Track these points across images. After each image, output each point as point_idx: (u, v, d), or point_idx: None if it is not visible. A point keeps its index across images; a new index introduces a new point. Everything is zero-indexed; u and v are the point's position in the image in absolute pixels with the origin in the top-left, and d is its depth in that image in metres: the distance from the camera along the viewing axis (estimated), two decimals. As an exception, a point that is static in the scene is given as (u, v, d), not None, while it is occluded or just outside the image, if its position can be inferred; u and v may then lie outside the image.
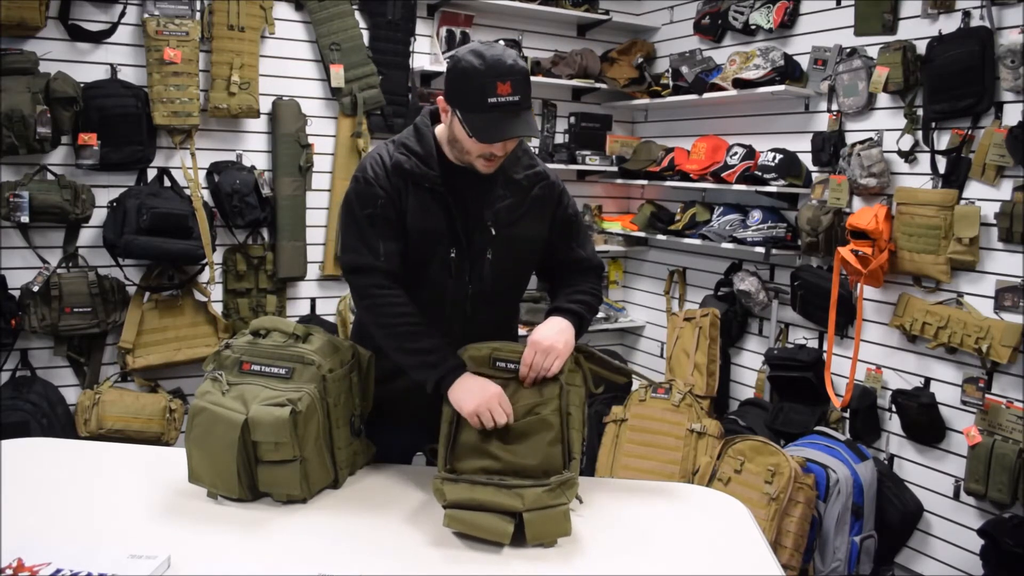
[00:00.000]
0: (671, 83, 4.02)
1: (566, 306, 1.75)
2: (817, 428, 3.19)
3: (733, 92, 3.59)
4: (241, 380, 1.58)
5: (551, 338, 1.64)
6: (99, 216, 3.26)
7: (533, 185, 1.75)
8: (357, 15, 3.73)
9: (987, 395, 2.82)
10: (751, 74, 3.48)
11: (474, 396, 1.58)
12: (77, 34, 3.22)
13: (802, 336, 3.58)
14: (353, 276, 1.73)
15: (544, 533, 1.46)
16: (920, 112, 3.01)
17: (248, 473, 1.54)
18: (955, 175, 2.88)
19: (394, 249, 1.69)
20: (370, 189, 1.68)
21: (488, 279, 1.73)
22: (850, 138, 3.28)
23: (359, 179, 1.71)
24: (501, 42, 4.00)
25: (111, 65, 3.28)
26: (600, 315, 4.30)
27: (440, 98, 1.66)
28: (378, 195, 1.67)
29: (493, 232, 1.70)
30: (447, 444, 1.61)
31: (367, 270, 1.69)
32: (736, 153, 3.63)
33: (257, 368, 1.59)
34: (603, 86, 4.23)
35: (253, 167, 3.54)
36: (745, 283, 3.71)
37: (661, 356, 4.30)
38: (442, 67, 3.63)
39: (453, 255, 1.70)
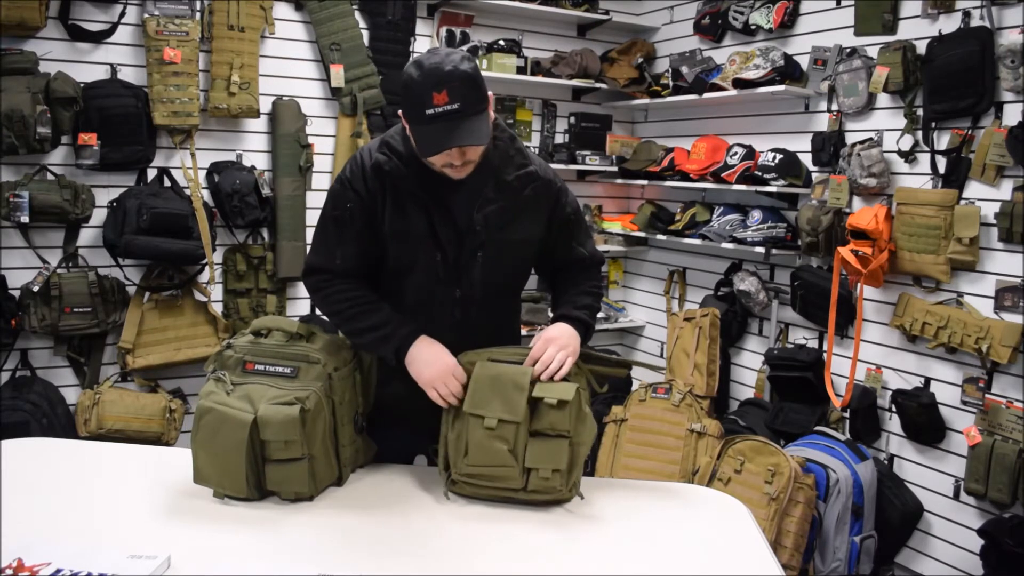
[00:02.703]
0: (671, 83, 4.02)
1: (574, 314, 1.74)
2: (817, 428, 3.19)
3: (733, 92, 3.59)
4: (245, 380, 1.58)
5: (565, 338, 1.65)
6: (99, 216, 3.26)
7: (525, 186, 1.70)
8: (357, 15, 3.73)
9: (987, 395, 2.82)
10: (751, 74, 3.48)
11: (429, 367, 1.61)
12: (77, 34, 3.22)
13: (802, 336, 3.58)
14: (309, 277, 1.74)
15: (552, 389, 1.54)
16: (920, 112, 3.01)
17: (255, 472, 1.55)
18: (955, 175, 2.88)
19: (353, 253, 1.69)
20: (343, 191, 1.68)
21: (478, 283, 1.70)
22: (850, 138, 3.28)
23: (338, 179, 1.71)
24: (500, 41, 4.01)
25: (111, 65, 3.28)
26: (600, 315, 4.29)
27: (399, 111, 1.62)
28: (348, 198, 1.66)
29: (483, 236, 1.67)
30: (446, 444, 1.61)
31: (320, 271, 1.71)
32: (736, 153, 3.63)
33: (261, 367, 1.60)
34: (603, 86, 4.23)
35: (253, 167, 3.54)
36: (745, 283, 3.71)
37: (661, 356, 4.30)
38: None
39: (439, 259, 1.67)
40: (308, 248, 3.59)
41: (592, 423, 1.62)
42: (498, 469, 1.55)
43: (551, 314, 1.83)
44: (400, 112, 1.60)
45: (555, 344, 1.62)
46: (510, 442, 1.54)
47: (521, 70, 4.04)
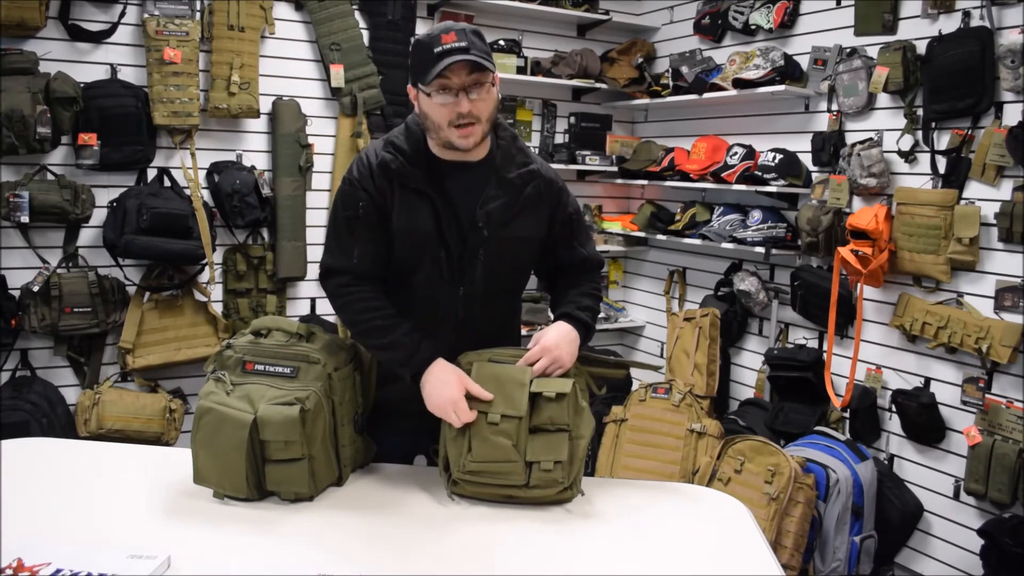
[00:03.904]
0: (671, 83, 4.02)
1: (577, 315, 1.75)
2: (817, 428, 3.19)
3: (733, 92, 3.59)
4: (245, 380, 1.58)
5: (561, 347, 1.65)
6: (99, 216, 3.26)
7: (526, 184, 1.72)
8: (357, 15, 3.73)
9: (987, 395, 2.82)
10: (751, 74, 3.48)
11: (431, 400, 1.61)
12: (77, 34, 3.22)
13: (802, 336, 3.58)
14: (326, 279, 1.75)
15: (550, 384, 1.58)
16: (920, 112, 3.01)
17: (255, 472, 1.55)
18: (955, 175, 2.88)
19: (370, 252, 1.70)
20: (353, 191, 1.68)
21: (480, 281, 1.71)
22: (850, 138, 3.28)
23: (345, 181, 1.71)
24: (500, 41, 4.01)
25: (111, 65, 3.28)
26: (600, 315, 4.30)
27: (409, 86, 1.66)
28: (360, 198, 1.67)
29: (485, 233, 1.68)
30: (445, 445, 1.62)
31: (339, 272, 1.72)
32: (736, 153, 3.63)
33: (261, 368, 1.59)
34: (603, 86, 4.23)
35: (253, 167, 3.54)
36: (745, 283, 3.71)
37: (661, 356, 4.30)
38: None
39: (443, 256, 1.69)
40: (309, 247, 3.64)
41: (590, 417, 1.63)
42: (502, 465, 1.55)
43: (551, 315, 1.83)
44: (409, 84, 1.65)
45: (549, 355, 1.63)
46: (513, 437, 1.55)
47: (521, 70, 4.04)
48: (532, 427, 1.57)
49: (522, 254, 1.79)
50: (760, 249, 3.49)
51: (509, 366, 1.62)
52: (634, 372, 4.40)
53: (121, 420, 3.17)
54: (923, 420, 2.97)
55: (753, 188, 3.54)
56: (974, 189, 2.85)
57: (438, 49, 1.55)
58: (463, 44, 1.55)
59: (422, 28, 3.91)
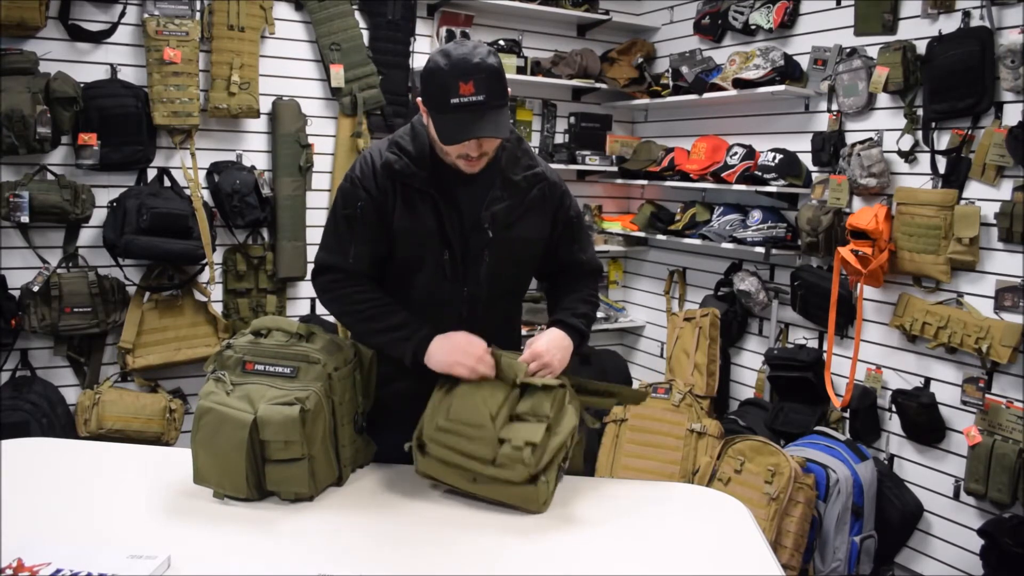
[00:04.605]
0: (671, 83, 4.02)
1: (571, 321, 1.75)
2: (817, 428, 3.19)
3: (733, 92, 3.59)
4: (245, 380, 1.58)
5: (551, 353, 1.66)
6: (99, 216, 3.26)
7: (532, 186, 1.73)
8: (357, 15, 3.73)
9: (987, 395, 2.82)
10: (751, 74, 3.48)
11: (443, 350, 1.62)
12: (77, 34, 3.22)
13: (802, 336, 3.58)
14: (319, 275, 1.75)
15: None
16: (920, 112, 3.01)
17: (255, 472, 1.55)
18: (955, 175, 2.88)
19: (366, 252, 1.70)
20: (354, 190, 1.69)
21: (484, 282, 1.72)
22: (850, 138, 3.28)
23: (347, 178, 1.72)
24: (500, 41, 4.01)
25: (111, 65, 3.28)
26: (600, 315, 4.30)
27: (419, 99, 1.64)
28: (359, 197, 1.67)
29: (490, 234, 1.69)
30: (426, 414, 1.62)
31: (333, 269, 1.72)
32: (736, 153, 3.63)
33: (261, 368, 1.59)
34: (603, 86, 4.23)
35: (253, 167, 3.54)
36: (745, 283, 3.71)
37: (661, 356, 4.30)
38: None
39: (446, 257, 1.69)
40: (309, 247, 3.63)
41: (572, 417, 1.62)
42: (474, 430, 1.53)
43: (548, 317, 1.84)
44: (419, 100, 1.63)
45: (539, 360, 1.64)
46: (493, 409, 1.54)
47: (521, 70, 4.04)
48: (514, 415, 1.58)
49: (526, 256, 1.80)
50: (760, 249, 3.49)
51: (504, 359, 1.63)
52: (634, 372, 4.41)
53: (121, 420, 3.17)
54: (923, 420, 2.97)
55: (753, 188, 3.54)
56: (974, 189, 2.85)
57: (455, 101, 1.51)
58: (481, 98, 1.51)
59: (422, 28, 3.91)
